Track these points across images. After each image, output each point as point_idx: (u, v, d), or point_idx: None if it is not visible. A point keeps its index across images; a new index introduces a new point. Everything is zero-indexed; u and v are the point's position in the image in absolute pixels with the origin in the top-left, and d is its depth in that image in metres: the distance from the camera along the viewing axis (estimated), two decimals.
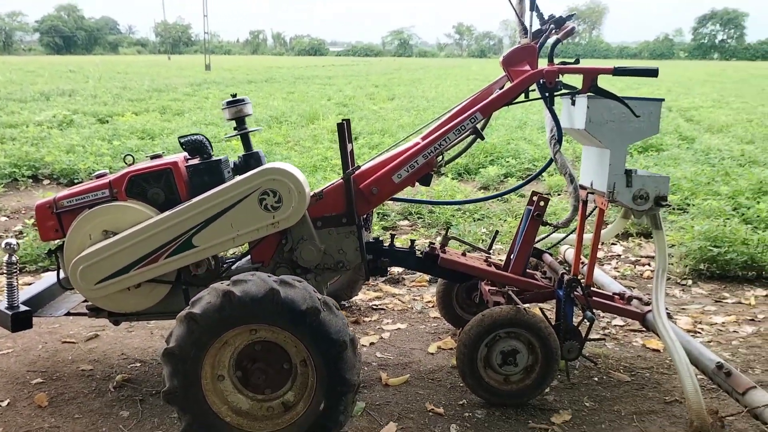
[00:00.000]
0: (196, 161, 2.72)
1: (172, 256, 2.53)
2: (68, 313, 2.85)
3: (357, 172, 2.69)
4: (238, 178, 2.54)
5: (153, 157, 2.80)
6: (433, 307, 3.70)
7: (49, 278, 3.04)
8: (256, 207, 2.50)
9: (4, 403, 2.62)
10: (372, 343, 3.17)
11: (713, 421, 2.37)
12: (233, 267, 2.78)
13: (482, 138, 2.78)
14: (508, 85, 2.77)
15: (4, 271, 2.68)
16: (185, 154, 2.77)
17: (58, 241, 2.74)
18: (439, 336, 3.28)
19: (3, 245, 2.69)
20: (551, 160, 2.83)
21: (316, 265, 2.74)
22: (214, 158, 2.72)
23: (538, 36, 2.78)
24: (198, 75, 27.47)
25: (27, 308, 2.68)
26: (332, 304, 2.21)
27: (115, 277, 2.54)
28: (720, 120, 11.93)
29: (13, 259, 2.67)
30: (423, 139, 2.78)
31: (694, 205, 5.59)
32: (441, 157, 2.73)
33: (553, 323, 2.66)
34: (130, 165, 2.81)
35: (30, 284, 4.00)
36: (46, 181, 7.05)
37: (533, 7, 2.65)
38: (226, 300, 2.10)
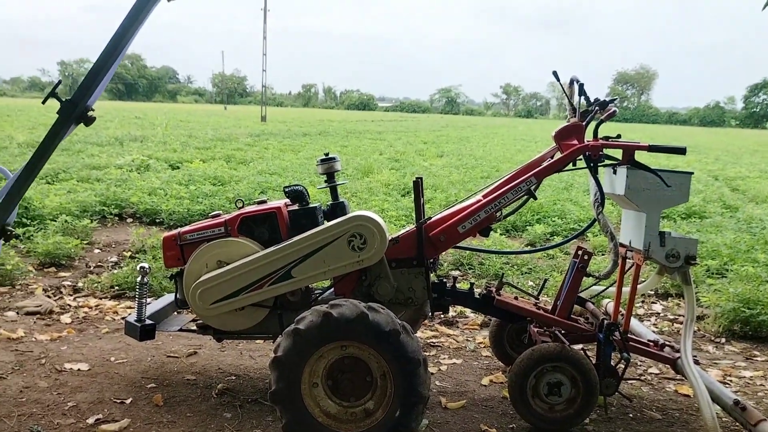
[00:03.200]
0: (295, 207, 3.28)
1: (274, 284, 3.07)
2: (181, 329, 3.40)
3: (428, 222, 3.20)
4: (332, 222, 3.08)
5: (259, 202, 3.38)
6: (484, 347, 4.14)
7: (166, 299, 3.61)
8: (345, 247, 3.03)
9: (128, 401, 3.16)
10: (431, 374, 3.62)
11: None
12: (320, 298, 3.30)
13: (534, 198, 3.28)
14: (557, 155, 3.28)
15: (137, 290, 3.26)
16: (286, 200, 3.34)
17: (179, 268, 3.31)
18: (491, 371, 3.71)
19: (138, 268, 3.29)
20: (594, 220, 3.30)
21: (389, 299, 3.24)
22: (311, 205, 3.28)
23: (585, 115, 3.30)
24: (255, 126, 28.85)
25: (152, 322, 3.25)
26: (409, 329, 2.70)
27: (227, 299, 3.09)
28: (765, 190, 12.13)
29: (145, 280, 3.26)
30: (484, 197, 3.29)
31: (732, 270, 5.91)
32: (500, 212, 3.23)
33: (593, 362, 3.09)
34: (240, 208, 3.40)
35: (131, 308, 4.61)
36: (129, 219, 7.79)
37: (581, 93, 3.18)
38: (325, 319, 2.62)
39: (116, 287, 5.01)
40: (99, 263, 5.85)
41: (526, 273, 5.83)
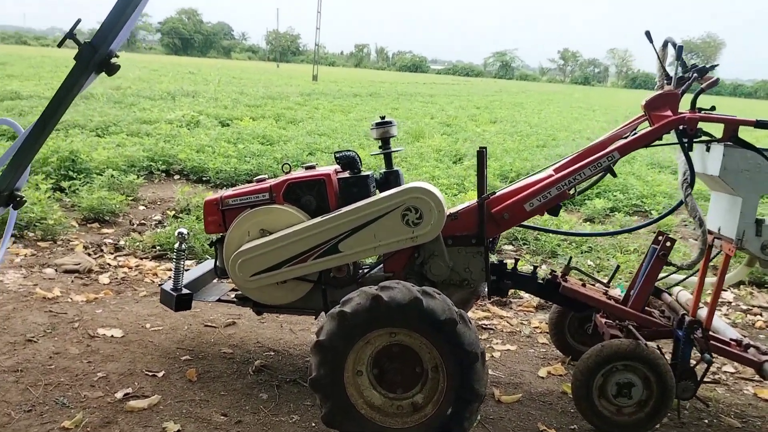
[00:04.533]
0: (346, 175, 3.01)
1: (320, 258, 2.82)
2: (219, 300, 3.20)
3: (491, 198, 2.88)
4: (385, 193, 2.80)
5: (308, 168, 3.12)
6: (540, 332, 3.84)
7: (205, 266, 3.41)
8: (398, 221, 2.74)
9: (160, 374, 2.99)
10: None
11: None
12: (368, 275, 3.04)
13: (614, 175, 2.92)
14: (642, 127, 2.90)
15: (174, 257, 3.06)
16: (336, 167, 3.06)
17: (220, 234, 3.09)
18: (548, 361, 3.41)
19: (176, 233, 3.08)
20: (681, 202, 2.93)
21: (443, 280, 2.96)
22: (362, 173, 3.00)
23: (681, 83, 2.89)
24: (306, 85, 28.60)
25: (189, 291, 3.05)
26: (467, 318, 2.41)
27: (269, 272, 2.85)
28: None
29: (183, 246, 3.05)
30: (556, 171, 2.94)
31: None
32: (573, 189, 2.88)
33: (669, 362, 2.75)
34: (287, 173, 3.14)
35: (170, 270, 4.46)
36: (176, 176, 7.68)
37: (679, 56, 2.77)
38: (374, 303, 2.35)
39: (158, 247, 4.87)
40: (143, 221, 5.73)
41: (585, 252, 5.45)
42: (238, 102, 16.24)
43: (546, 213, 2.95)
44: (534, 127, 15.85)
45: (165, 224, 5.48)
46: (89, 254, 4.70)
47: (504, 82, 70.26)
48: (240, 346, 3.35)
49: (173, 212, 5.82)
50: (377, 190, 3.14)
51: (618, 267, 3.27)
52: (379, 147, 3.18)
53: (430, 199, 2.72)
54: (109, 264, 4.53)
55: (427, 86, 38.23)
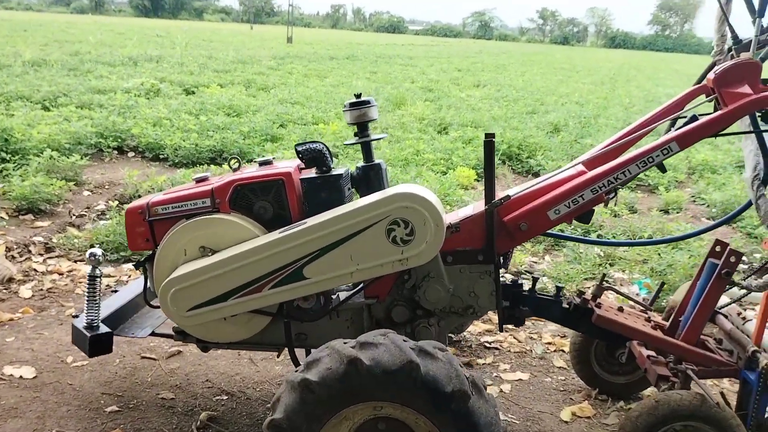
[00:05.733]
0: (312, 173, 2.29)
1: (278, 287, 2.12)
2: (153, 333, 2.49)
3: (503, 203, 2.18)
4: (365, 200, 2.09)
5: (262, 164, 2.39)
6: (555, 351, 3.19)
7: (132, 288, 2.68)
8: (382, 239, 2.05)
9: None
10: None
11: None
12: (342, 299, 2.33)
13: (663, 170, 2.24)
14: (703, 106, 2.21)
15: (87, 285, 2.33)
16: (299, 162, 2.34)
17: (149, 252, 2.38)
18: (570, 396, 2.76)
19: (87, 255, 2.34)
20: (749, 204, 2.26)
21: (441, 308, 2.28)
22: (334, 171, 2.28)
23: (746, 49, 2.20)
24: (280, 48, 27.33)
25: (108, 330, 2.32)
26: (482, 385, 1.74)
27: (211, 304, 2.15)
28: None
29: (97, 272, 2.31)
30: (588, 166, 2.25)
31: None
32: (614, 192, 2.20)
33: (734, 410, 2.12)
34: (236, 170, 2.41)
35: (111, 277, 3.72)
36: (131, 154, 6.86)
37: (762, 12, 2.06)
38: (351, 369, 1.66)
39: (96, 246, 4.10)
40: (84, 211, 4.95)
41: (609, 260, 4.45)
42: (205, 67, 15.19)
43: (574, 221, 2.27)
44: (520, 90, 15.07)
45: (108, 216, 4.70)
46: (13, 257, 3.94)
47: (483, 43, 68.75)
48: (184, 387, 2.65)
49: (116, 203, 5.01)
50: (354, 193, 2.43)
51: (663, 285, 2.60)
52: (355, 134, 2.46)
53: (425, 208, 2.02)
54: (35, 270, 3.78)
55: (405, 48, 37.02)
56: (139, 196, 5.15)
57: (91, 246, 2.39)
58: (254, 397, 2.60)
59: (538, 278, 2.43)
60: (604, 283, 2.44)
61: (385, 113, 9.95)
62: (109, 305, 2.53)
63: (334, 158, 2.38)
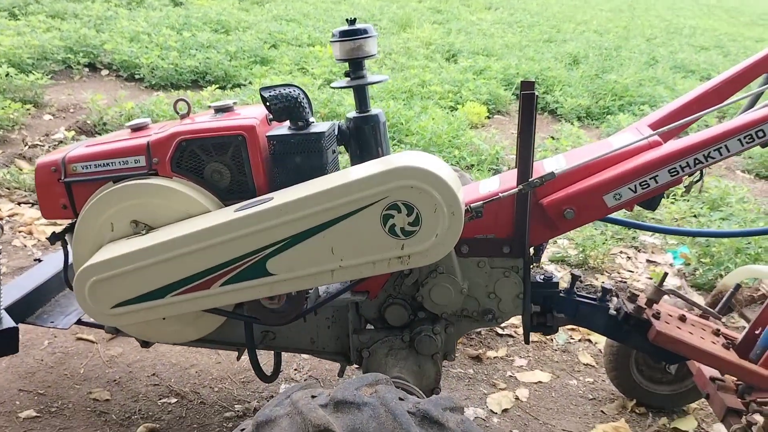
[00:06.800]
0: (284, 129, 1.68)
1: (231, 284, 1.56)
2: (79, 322, 1.95)
3: (545, 182, 1.58)
4: (354, 172, 1.50)
5: (219, 110, 1.78)
6: (580, 340, 2.67)
7: (50, 265, 2.10)
8: (376, 227, 1.47)
9: None
10: (505, 410, 2.17)
11: None
12: (322, 302, 1.77)
13: (763, 146, 1.63)
14: None
15: None
16: (267, 112, 1.72)
17: (69, 222, 1.80)
18: (600, 407, 2.25)
19: None
20: None
21: (452, 311, 1.74)
22: (313, 128, 1.67)
23: None
24: None
25: (10, 324, 1.76)
26: None
27: (142, 302, 1.60)
28: None
29: None
30: (665, 137, 1.65)
31: None
32: (699, 173, 1.60)
33: None
34: (183, 116, 1.80)
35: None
36: (104, 71, 6.15)
37: None
38: None
39: None
40: (40, 140, 4.33)
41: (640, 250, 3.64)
42: None
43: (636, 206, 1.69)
44: (534, 15, 14.05)
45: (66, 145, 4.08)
46: None
47: None
48: (124, 383, 2.13)
49: (73, 132, 4.37)
50: (340, 155, 1.83)
51: (738, 287, 2.03)
52: (346, 74, 1.83)
53: (436, 189, 1.43)
54: None
55: None
56: (106, 125, 4.52)
57: None
58: (209, 401, 2.08)
59: (579, 276, 1.87)
60: (662, 285, 1.87)
61: (390, 36, 9.12)
62: (23, 284, 1.98)
63: (313, 111, 1.76)
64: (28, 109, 4.69)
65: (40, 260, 2.16)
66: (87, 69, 6.07)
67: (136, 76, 5.98)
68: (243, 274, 1.55)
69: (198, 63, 6.03)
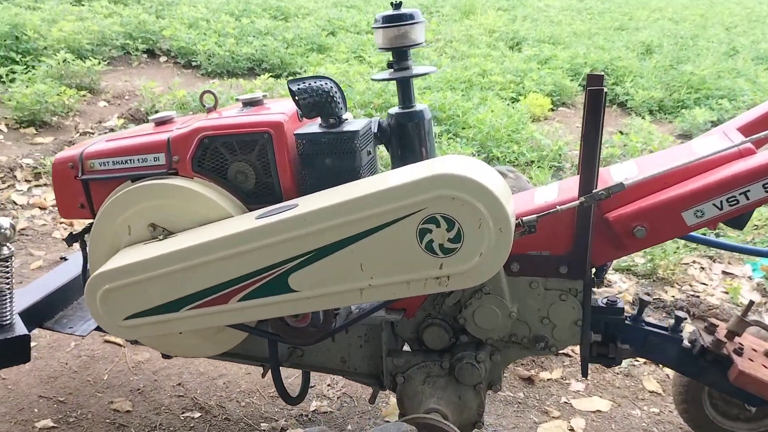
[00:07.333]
0: (314, 127, 1.50)
1: (251, 300, 1.40)
2: (99, 329, 1.83)
3: (612, 194, 1.35)
4: (389, 179, 1.32)
5: (247, 104, 1.62)
6: (645, 363, 2.40)
7: (76, 263, 2.00)
8: (411, 242, 1.28)
9: None
10: None
11: None
12: (352, 321, 1.59)
13: None
14: None
15: None
16: (297, 108, 1.55)
17: (86, 221, 1.69)
18: None
19: None
20: None
21: (499, 337, 1.54)
22: (346, 125, 1.49)
23: None
24: None
25: (24, 332, 1.66)
26: None
27: (156, 314, 1.46)
28: None
29: (5, 251, 1.62)
30: (759, 145, 1.39)
31: None
32: None
33: None
34: (210, 111, 1.66)
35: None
36: (162, 58, 6.14)
37: None
38: None
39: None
40: (95, 125, 4.32)
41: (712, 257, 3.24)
42: None
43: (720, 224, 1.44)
44: (606, 2, 13.43)
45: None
46: None
47: None
48: (147, 393, 2.02)
49: (123, 120, 4.34)
50: (378, 156, 1.64)
51: None
52: (389, 65, 1.64)
53: (481, 202, 1.23)
54: (14, 203, 3.19)
55: None
56: (156, 113, 4.46)
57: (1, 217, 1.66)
58: (235, 417, 1.94)
59: (648, 302, 1.63)
60: (747, 316, 1.60)
61: (452, 22, 8.83)
62: (45, 283, 1.88)
63: (347, 106, 1.57)
64: (83, 96, 4.70)
65: (65, 258, 2.07)
66: (145, 55, 6.07)
67: (193, 63, 5.94)
68: (263, 290, 1.39)
69: (254, 50, 5.94)
